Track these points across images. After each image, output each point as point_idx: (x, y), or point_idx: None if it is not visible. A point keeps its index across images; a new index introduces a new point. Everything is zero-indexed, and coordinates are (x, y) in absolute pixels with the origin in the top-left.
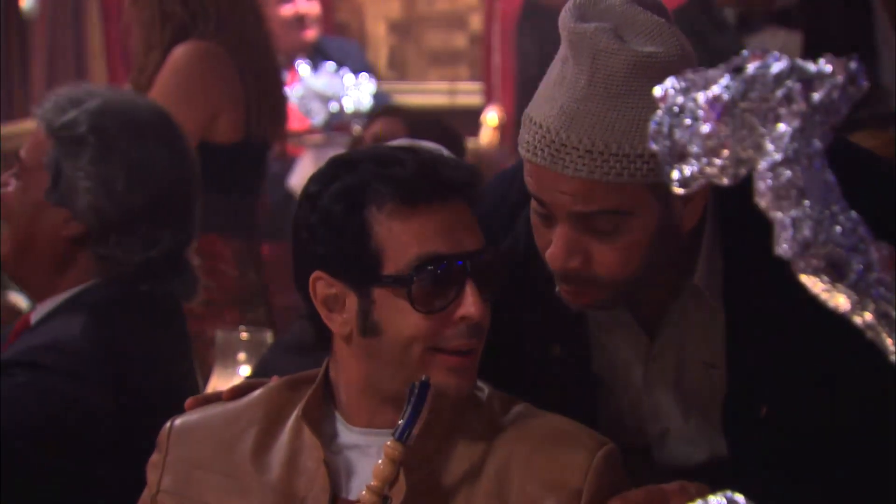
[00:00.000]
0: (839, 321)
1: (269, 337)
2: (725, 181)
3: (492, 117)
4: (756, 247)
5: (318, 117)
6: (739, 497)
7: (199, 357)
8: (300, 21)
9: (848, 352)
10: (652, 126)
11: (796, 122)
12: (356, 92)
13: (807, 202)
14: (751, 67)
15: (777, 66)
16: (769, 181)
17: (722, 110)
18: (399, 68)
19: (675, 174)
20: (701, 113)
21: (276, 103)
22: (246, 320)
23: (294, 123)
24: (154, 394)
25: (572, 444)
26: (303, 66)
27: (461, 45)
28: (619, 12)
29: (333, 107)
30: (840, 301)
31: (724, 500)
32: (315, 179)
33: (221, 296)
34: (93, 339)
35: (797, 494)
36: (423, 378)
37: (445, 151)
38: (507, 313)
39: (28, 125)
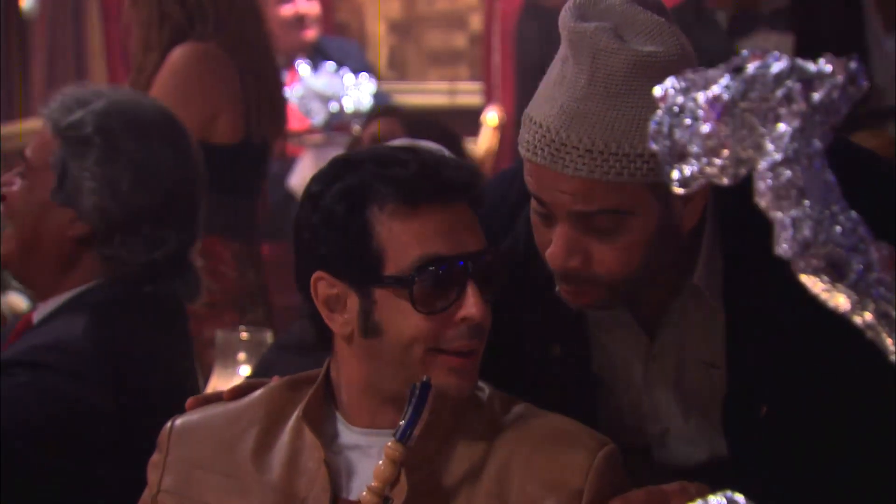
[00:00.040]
0: (839, 321)
1: (269, 337)
2: (725, 181)
3: (492, 117)
4: (756, 247)
5: (318, 117)
6: (739, 497)
7: (197, 358)
8: (300, 21)
9: (848, 352)
10: (652, 126)
11: (796, 122)
12: (356, 92)
13: (807, 202)
14: (751, 67)
15: (777, 66)
16: (769, 181)
17: (722, 110)
18: (399, 68)
19: (675, 174)
20: (701, 113)
21: (276, 104)
22: (245, 322)
23: (294, 123)
24: (155, 394)
25: (573, 445)
26: (303, 66)
27: (461, 45)
28: (620, 12)
29: (333, 107)
30: (840, 301)
31: (724, 500)
32: (317, 179)
33: (220, 297)
34: (95, 339)
35: (797, 494)
36: (424, 379)
37: (447, 152)
38: (507, 313)
39: (28, 125)
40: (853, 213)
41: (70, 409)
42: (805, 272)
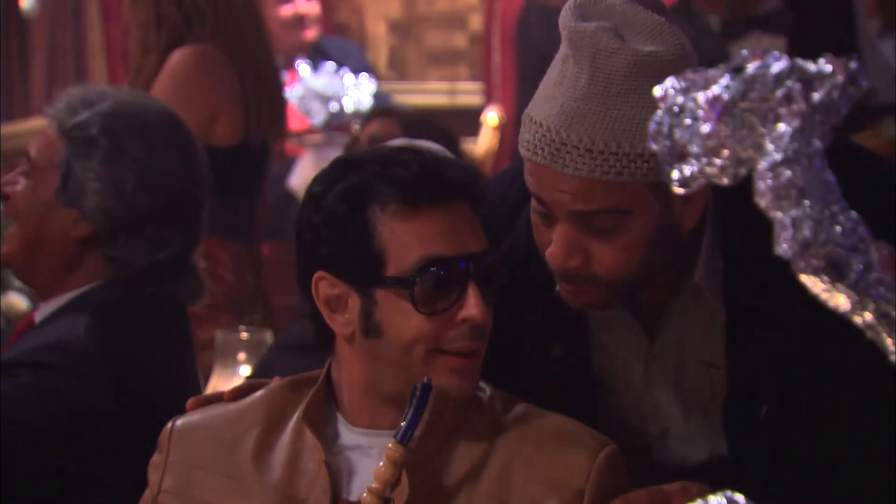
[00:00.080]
0: (839, 321)
1: (269, 337)
2: (725, 181)
3: (492, 117)
4: (756, 247)
5: (318, 117)
6: (739, 497)
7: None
8: (300, 21)
9: (848, 352)
10: (652, 126)
11: (796, 122)
12: (356, 92)
13: (807, 202)
14: (751, 67)
15: (777, 66)
16: (769, 181)
17: (722, 110)
18: (399, 68)
19: (675, 174)
20: (701, 113)
21: (276, 105)
22: (242, 324)
23: (294, 123)
24: (156, 394)
25: (574, 445)
26: (303, 66)
27: (461, 45)
28: (620, 11)
29: (333, 107)
30: (840, 301)
31: (724, 500)
32: (319, 180)
33: (218, 300)
34: (96, 340)
35: (797, 494)
36: (425, 380)
37: (448, 152)
38: (507, 313)
39: (28, 125)
40: (853, 213)
41: (71, 410)
42: (805, 272)
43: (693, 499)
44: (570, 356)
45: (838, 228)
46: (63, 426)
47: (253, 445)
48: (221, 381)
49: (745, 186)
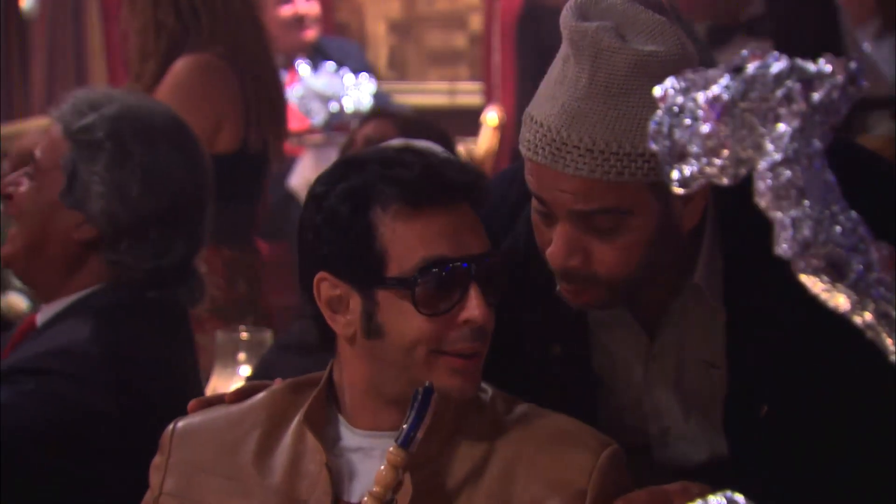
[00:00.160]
0: (839, 321)
1: (269, 337)
2: (725, 181)
3: (492, 117)
4: (756, 247)
5: (318, 117)
6: (739, 497)
7: None
8: (300, 21)
9: (848, 352)
10: (652, 126)
11: (796, 122)
12: (356, 92)
13: (807, 202)
14: (751, 67)
15: (777, 66)
16: (769, 181)
17: (722, 110)
18: (399, 68)
19: (675, 174)
20: (701, 113)
21: (276, 108)
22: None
23: (294, 123)
24: (158, 397)
25: (576, 445)
26: (303, 66)
27: (461, 45)
28: (621, 11)
29: (333, 107)
30: (840, 301)
31: (724, 500)
32: (321, 180)
33: (207, 305)
34: (99, 344)
35: (797, 494)
36: (427, 384)
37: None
38: (507, 313)
39: (29, 124)
40: (853, 213)
41: (73, 413)
42: (805, 272)
43: (693, 499)
44: (570, 356)
45: (838, 228)
46: (65, 429)
47: (254, 447)
48: (221, 382)
49: (745, 186)
